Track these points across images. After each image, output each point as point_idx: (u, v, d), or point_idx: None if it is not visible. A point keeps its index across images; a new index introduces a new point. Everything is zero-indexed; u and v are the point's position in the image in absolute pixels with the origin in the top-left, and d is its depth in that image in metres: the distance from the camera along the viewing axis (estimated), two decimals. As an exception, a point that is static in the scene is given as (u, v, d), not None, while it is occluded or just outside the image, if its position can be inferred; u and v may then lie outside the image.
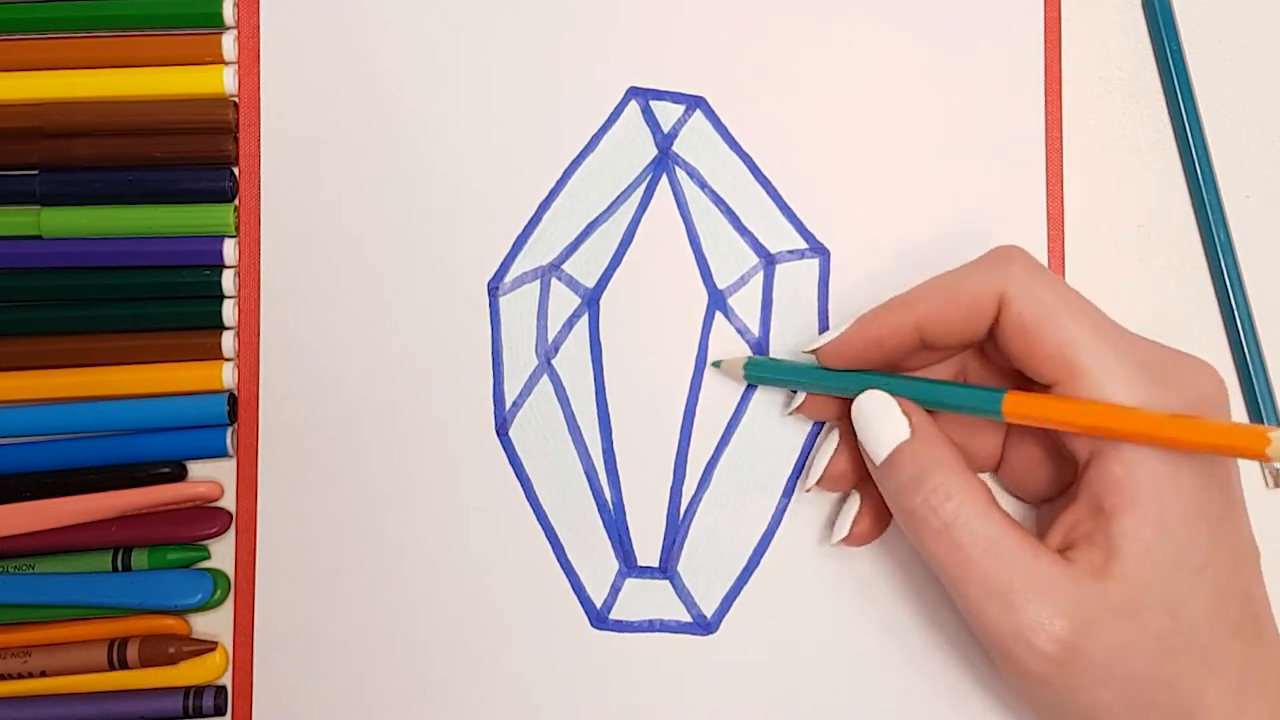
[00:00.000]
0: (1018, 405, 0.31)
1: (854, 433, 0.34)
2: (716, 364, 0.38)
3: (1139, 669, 0.30)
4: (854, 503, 0.36)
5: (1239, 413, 0.38)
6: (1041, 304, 0.32)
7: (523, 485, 0.38)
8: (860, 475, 0.36)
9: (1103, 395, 0.30)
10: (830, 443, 0.36)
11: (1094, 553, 0.31)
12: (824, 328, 0.38)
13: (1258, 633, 0.31)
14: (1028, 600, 0.30)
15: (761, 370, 0.37)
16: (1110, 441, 0.31)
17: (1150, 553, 0.30)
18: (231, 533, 0.39)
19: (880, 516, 0.36)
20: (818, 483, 0.36)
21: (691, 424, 0.38)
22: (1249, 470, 0.38)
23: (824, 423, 0.38)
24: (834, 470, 0.36)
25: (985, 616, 0.31)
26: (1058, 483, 0.35)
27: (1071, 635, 0.30)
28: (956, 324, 0.33)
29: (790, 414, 0.37)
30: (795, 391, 0.37)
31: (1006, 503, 0.37)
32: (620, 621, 0.38)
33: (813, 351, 0.35)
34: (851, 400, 0.34)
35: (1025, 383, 0.33)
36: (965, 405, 0.33)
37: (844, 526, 0.36)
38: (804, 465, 0.38)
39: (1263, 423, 0.38)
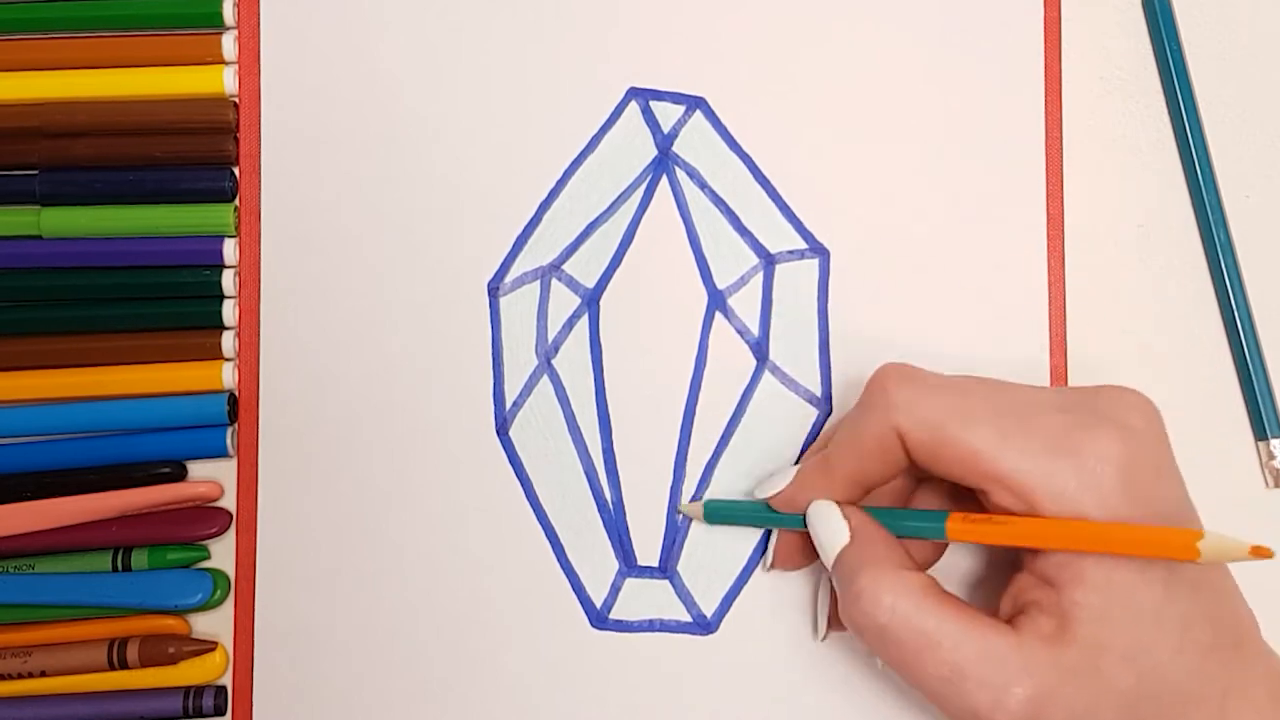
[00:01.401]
0: (961, 527, 0.32)
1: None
2: (679, 509, 0.38)
3: None
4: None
5: (1239, 414, 0.38)
6: (931, 427, 0.31)
7: (523, 485, 0.38)
8: None
9: (1025, 493, 0.30)
10: (825, 589, 0.36)
11: (1045, 620, 0.30)
12: (824, 327, 0.38)
13: (1235, 645, 0.31)
14: (980, 683, 0.30)
15: (721, 512, 0.37)
16: None
17: (1103, 615, 0.30)
18: (231, 533, 0.39)
19: None
20: (829, 629, 0.36)
21: (691, 424, 0.38)
22: (1249, 469, 0.38)
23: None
24: (834, 612, 0.36)
25: (943, 703, 0.31)
26: None
27: (1030, 707, 0.29)
28: (877, 469, 0.33)
29: (768, 570, 0.37)
30: (756, 527, 0.37)
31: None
32: (620, 621, 0.38)
33: (766, 500, 0.35)
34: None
35: None
36: (912, 531, 0.33)
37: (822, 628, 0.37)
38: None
39: (1263, 423, 0.38)
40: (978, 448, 0.31)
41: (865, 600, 0.31)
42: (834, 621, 0.36)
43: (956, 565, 0.37)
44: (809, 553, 0.36)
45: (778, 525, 0.35)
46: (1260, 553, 0.28)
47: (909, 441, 0.32)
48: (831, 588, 0.35)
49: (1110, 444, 0.30)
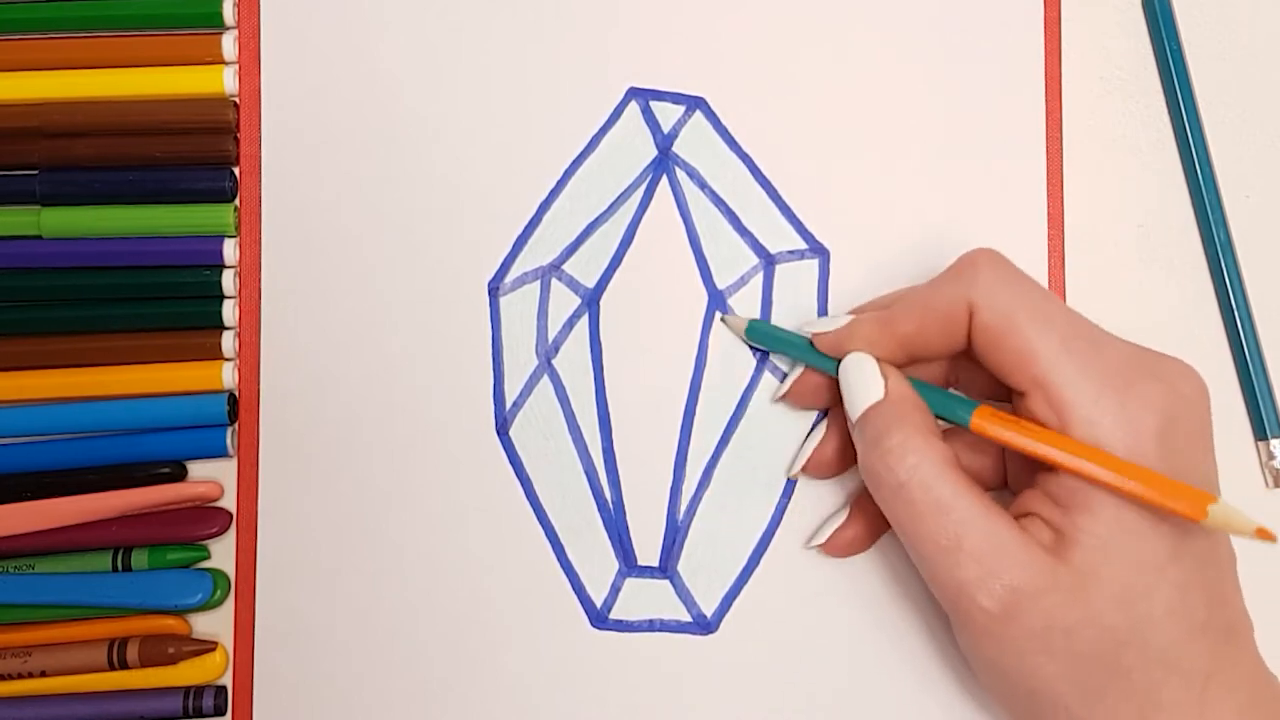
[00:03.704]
0: (986, 422, 0.32)
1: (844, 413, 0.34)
2: (723, 318, 0.38)
3: (1087, 652, 0.30)
4: (841, 513, 0.37)
5: (1239, 414, 0.38)
6: (1005, 313, 0.32)
7: (523, 485, 0.38)
8: (846, 465, 0.36)
9: (1064, 409, 0.31)
10: (819, 430, 0.36)
11: (1046, 532, 0.31)
12: (824, 328, 0.38)
13: (1227, 633, 0.31)
14: (974, 558, 0.30)
15: (761, 334, 0.37)
16: None
17: (1103, 547, 0.30)
18: (231, 533, 0.39)
19: (870, 528, 0.36)
20: (803, 469, 0.36)
21: (691, 424, 0.38)
22: (1249, 469, 0.38)
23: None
24: (820, 456, 0.36)
25: (934, 571, 0.31)
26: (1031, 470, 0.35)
27: (1013, 596, 0.30)
28: (936, 338, 0.33)
29: (779, 400, 0.37)
30: (791, 359, 0.37)
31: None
32: (620, 621, 0.38)
33: (811, 335, 0.35)
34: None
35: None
36: (939, 408, 0.33)
37: (824, 533, 0.36)
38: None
39: (1263, 423, 0.38)
40: (1038, 348, 0.31)
41: (892, 456, 0.32)
42: (810, 467, 0.36)
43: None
44: (824, 397, 0.36)
45: (812, 364, 0.35)
46: (1264, 534, 0.28)
47: (977, 319, 0.32)
48: (829, 434, 0.36)
49: (1159, 398, 0.31)
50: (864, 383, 0.33)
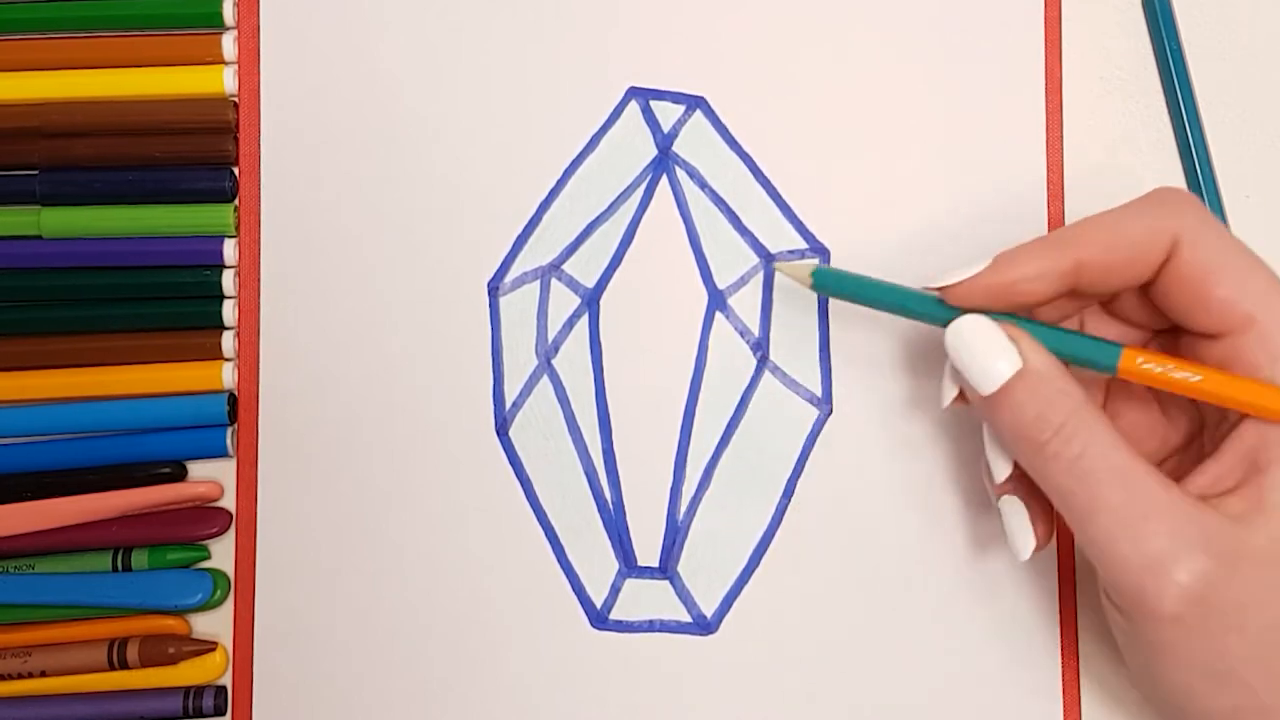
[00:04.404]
0: (1135, 366, 0.30)
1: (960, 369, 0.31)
2: (778, 265, 0.36)
3: (1278, 624, 0.28)
4: (1024, 513, 0.32)
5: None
6: (1216, 252, 0.30)
7: (523, 485, 0.38)
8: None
9: (1274, 351, 0.29)
10: (1001, 463, 0.33)
11: (1235, 502, 0.29)
12: (824, 327, 0.38)
13: None
14: (1162, 532, 0.28)
15: (830, 281, 0.34)
16: None
17: None
18: (231, 533, 0.39)
19: (1048, 522, 0.33)
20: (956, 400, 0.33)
21: (691, 424, 0.38)
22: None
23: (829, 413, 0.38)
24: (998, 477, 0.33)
25: (1115, 549, 0.28)
26: (1164, 447, 0.33)
27: (1208, 571, 0.28)
28: (1118, 268, 0.30)
29: (948, 408, 0.33)
30: (868, 305, 0.34)
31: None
32: (620, 621, 0.38)
33: (939, 289, 0.32)
34: (944, 326, 0.31)
35: (1144, 338, 0.32)
36: (1078, 355, 0.30)
37: (1028, 540, 0.32)
38: (802, 465, 0.38)
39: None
40: (1251, 289, 0.29)
41: (1066, 431, 0.29)
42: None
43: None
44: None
45: (912, 311, 0.32)
46: None
47: (1181, 257, 0.30)
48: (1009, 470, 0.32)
49: None
50: (994, 349, 0.30)
